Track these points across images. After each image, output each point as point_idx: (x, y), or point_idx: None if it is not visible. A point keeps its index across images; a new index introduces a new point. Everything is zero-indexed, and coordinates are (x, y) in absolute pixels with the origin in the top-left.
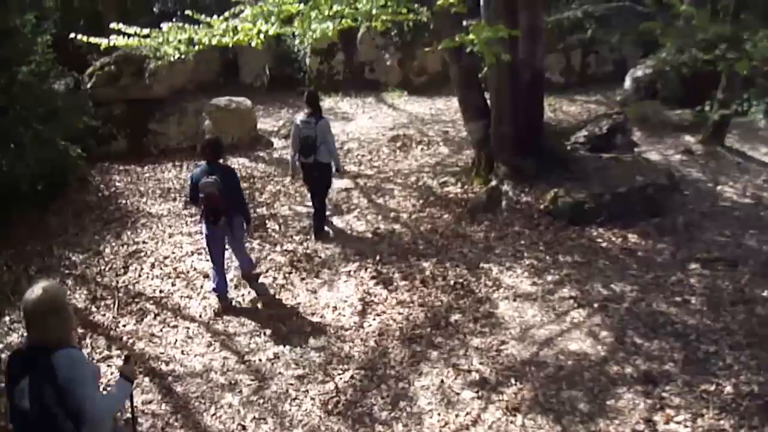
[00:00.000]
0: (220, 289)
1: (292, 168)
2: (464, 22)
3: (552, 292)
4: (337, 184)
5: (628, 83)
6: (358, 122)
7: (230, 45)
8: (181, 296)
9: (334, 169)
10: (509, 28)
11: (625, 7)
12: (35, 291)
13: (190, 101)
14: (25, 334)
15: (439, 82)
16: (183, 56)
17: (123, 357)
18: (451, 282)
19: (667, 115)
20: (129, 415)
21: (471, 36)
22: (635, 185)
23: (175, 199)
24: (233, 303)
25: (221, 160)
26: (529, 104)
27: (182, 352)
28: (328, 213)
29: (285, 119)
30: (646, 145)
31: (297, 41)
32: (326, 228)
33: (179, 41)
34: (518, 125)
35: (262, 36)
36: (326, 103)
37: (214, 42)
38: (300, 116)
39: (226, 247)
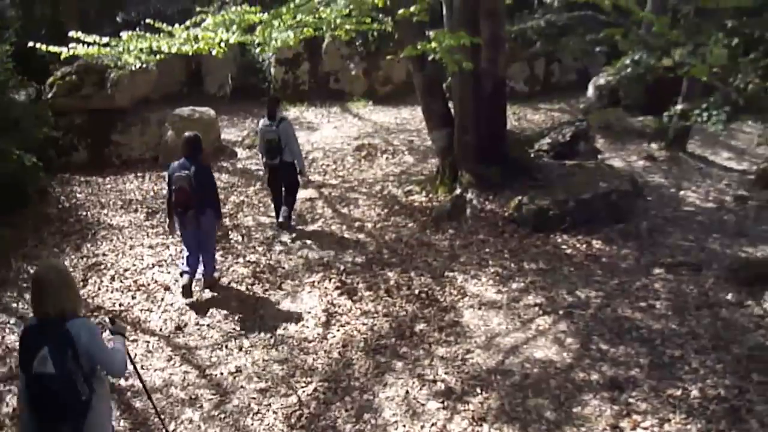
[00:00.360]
0: (192, 266)
1: (264, 169)
2: (427, 32)
3: (517, 299)
4: (302, 194)
5: (590, 91)
6: (323, 132)
7: (191, 53)
8: (142, 309)
9: (298, 170)
10: (472, 35)
11: (587, 17)
12: (47, 266)
13: (152, 111)
14: (36, 307)
15: (404, 92)
16: (145, 65)
17: (109, 319)
18: (416, 291)
19: (630, 122)
20: (131, 367)
21: (433, 44)
22: (599, 191)
23: (136, 211)
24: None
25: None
26: (492, 113)
27: (142, 367)
28: (293, 222)
29: (249, 129)
30: (609, 152)
31: (258, 50)
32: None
33: (140, 50)
34: (482, 133)
35: (223, 44)
36: (291, 112)
37: (174, 50)
38: (263, 120)
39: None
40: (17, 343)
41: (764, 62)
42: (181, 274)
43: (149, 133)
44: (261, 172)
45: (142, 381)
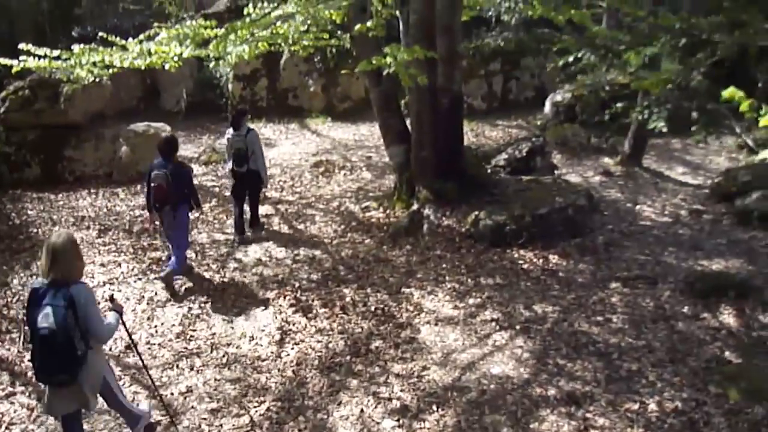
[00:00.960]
0: (172, 269)
1: (231, 177)
2: (384, 48)
3: (474, 315)
4: (259, 210)
5: (547, 108)
6: (281, 148)
7: (143, 67)
8: None
9: (262, 178)
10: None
11: (544, 35)
12: (61, 236)
13: (107, 127)
14: (46, 270)
15: (363, 108)
16: (97, 79)
17: (108, 298)
18: (372, 308)
19: (586, 137)
20: (129, 340)
21: (388, 59)
22: (555, 206)
23: (88, 228)
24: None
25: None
26: (449, 128)
27: None
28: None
29: (206, 145)
30: (566, 168)
31: (213, 65)
32: (248, 233)
33: (92, 64)
34: (439, 149)
35: (176, 59)
36: None
37: (127, 64)
38: (230, 130)
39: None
40: None
41: (710, 61)
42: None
43: (103, 149)
44: (217, 189)
45: (136, 349)
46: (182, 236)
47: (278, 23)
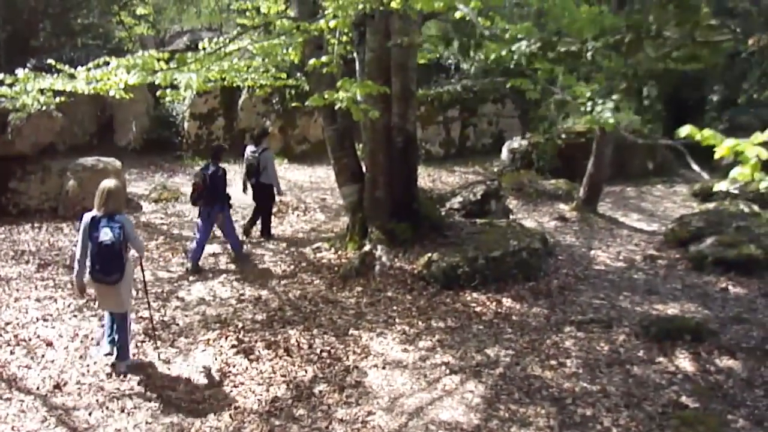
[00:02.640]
0: (194, 258)
1: (243, 185)
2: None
3: (424, 358)
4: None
5: (504, 154)
6: (234, 188)
7: (86, 92)
8: (19, 366)
9: (275, 190)
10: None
11: (502, 82)
12: (113, 182)
13: (55, 160)
14: (100, 205)
15: (320, 151)
16: (44, 107)
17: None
18: (318, 350)
19: (542, 184)
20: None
21: (340, 93)
22: (509, 249)
23: (28, 262)
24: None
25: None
26: (403, 168)
27: (12, 429)
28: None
29: (157, 183)
30: (522, 213)
31: (167, 99)
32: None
33: (39, 91)
34: (392, 189)
35: (122, 86)
36: None
37: (69, 88)
38: (250, 147)
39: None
40: None
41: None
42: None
43: (50, 182)
44: (165, 227)
45: (147, 294)
46: (229, 230)
47: (235, 60)
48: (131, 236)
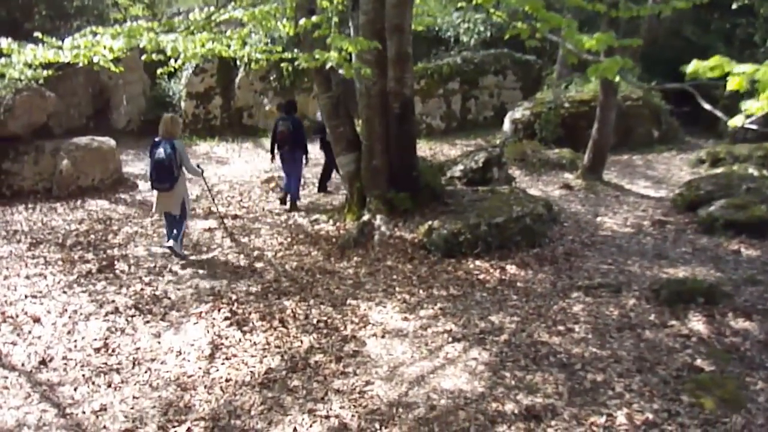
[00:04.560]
0: (285, 187)
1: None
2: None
3: (425, 327)
4: (201, 224)
5: (507, 125)
6: (233, 166)
7: (71, 61)
8: (5, 342)
9: (304, 157)
10: (377, 56)
11: (503, 54)
12: (171, 116)
13: (48, 140)
14: (162, 131)
15: None
16: (32, 81)
17: (197, 165)
18: (314, 321)
19: (546, 153)
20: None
21: (332, 53)
22: (513, 215)
23: (19, 242)
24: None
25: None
26: (401, 135)
27: None
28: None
29: None
30: (525, 183)
31: (159, 71)
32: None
33: (25, 64)
34: (391, 157)
35: (106, 52)
36: (201, 147)
37: (61, 60)
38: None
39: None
40: None
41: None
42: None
43: (43, 162)
44: None
45: (205, 182)
46: (298, 170)
47: (228, 32)
48: (183, 155)
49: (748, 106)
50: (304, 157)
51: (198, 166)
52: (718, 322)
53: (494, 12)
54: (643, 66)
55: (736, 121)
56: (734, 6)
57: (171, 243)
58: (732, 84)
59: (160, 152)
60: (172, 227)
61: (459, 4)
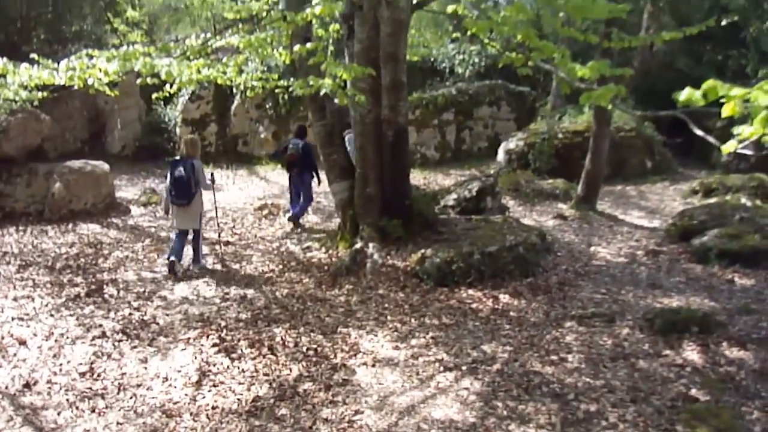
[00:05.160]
0: (293, 208)
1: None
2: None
3: (416, 356)
4: (191, 250)
5: (501, 155)
6: (227, 193)
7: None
8: None
9: (316, 180)
10: (372, 84)
11: (497, 85)
12: (191, 136)
13: (42, 163)
14: (182, 151)
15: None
16: (26, 103)
17: (211, 174)
18: (304, 348)
19: (539, 184)
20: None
21: (326, 80)
22: (506, 244)
23: (9, 263)
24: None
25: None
26: (394, 162)
27: None
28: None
29: (147, 188)
30: (519, 213)
31: (159, 96)
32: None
33: (21, 86)
34: (384, 185)
35: (102, 75)
36: None
37: (46, 77)
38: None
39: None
40: None
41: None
42: (287, 213)
43: (36, 184)
44: (153, 229)
45: (214, 194)
46: (307, 191)
47: (224, 59)
48: (200, 174)
49: (741, 130)
50: (314, 179)
51: (211, 176)
52: (713, 352)
53: (488, 42)
54: (637, 98)
55: (729, 147)
56: (724, 22)
57: (193, 264)
58: (726, 110)
59: (180, 170)
60: (181, 244)
61: (454, 35)
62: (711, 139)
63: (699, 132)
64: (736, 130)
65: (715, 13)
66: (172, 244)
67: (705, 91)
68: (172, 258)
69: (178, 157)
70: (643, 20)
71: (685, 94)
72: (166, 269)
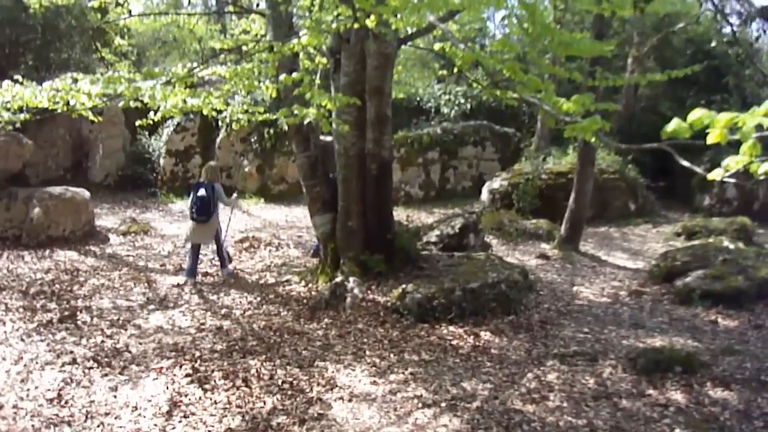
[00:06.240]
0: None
1: None
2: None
3: (395, 391)
4: (169, 280)
5: (485, 195)
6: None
7: (49, 107)
8: None
9: None
10: (357, 117)
11: (482, 126)
12: (212, 164)
13: (21, 187)
14: (205, 175)
15: (298, 191)
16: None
17: (235, 195)
18: (279, 381)
19: (523, 223)
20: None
21: (311, 109)
22: (488, 281)
23: None
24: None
25: None
26: (377, 196)
27: None
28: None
29: (127, 217)
30: (502, 252)
31: (143, 122)
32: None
33: (3, 107)
34: (367, 218)
35: (85, 99)
36: (177, 205)
37: (38, 104)
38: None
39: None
40: None
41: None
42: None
43: (15, 209)
44: (131, 258)
45: (232, 210)
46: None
47: (211, 89)
48: (220, 195)
49: (728, 161)
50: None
51: (235, 196)
52: (697, 392)
53: (474, 80)
54: (621, 140)
55: (715, 175)
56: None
57: (222, 271)
58: (713, 137)
59: (202, 191)
60: (196, 260)
61: (440, 73)
62: (697, 168)
63: (685, 163)
64: (724, 161)
65: (699, 58)
66: (188, 263)
67: (692, 121)
68: (192, 280)
69: (200, 180)
70: (627, 64)
71: (672, 125)
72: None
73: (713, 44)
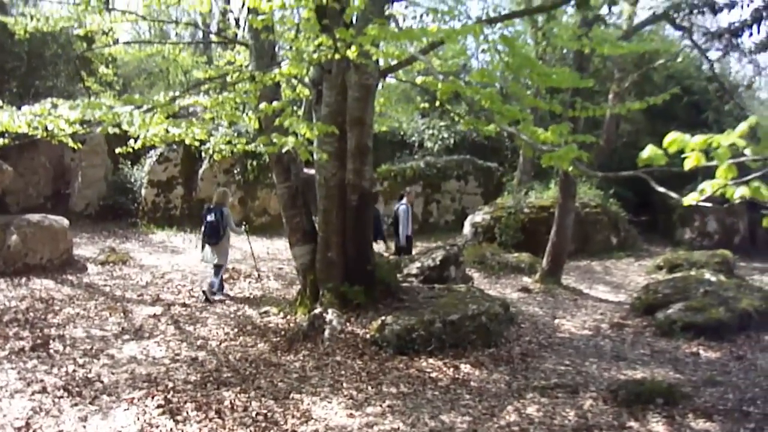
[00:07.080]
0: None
1: None
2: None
3: (371, 424)
4: (146, 310)
5: (467, 228)
6: (187, 256)
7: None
8: None
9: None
10: (337, 148)
11: (465, 160)
12: (222, 190)
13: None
14: (214, 201)
15: (280, 224)
16: None
17: (244, 226)
18: (253, 413)
19: (505, 257)
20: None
21: (290, 138)
22: (468, 313)
23: None
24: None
25: None
26: (357, 228)
27: None
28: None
29: (107, 247)
30: (484, 285)
31: (117, 151)
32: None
33: None
34: (347, 250)
35: (64, 124)
36: (158, 236)
37: (13, 128)
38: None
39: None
40: None
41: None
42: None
43: None
44: (108, 288)
45: (247, 235)
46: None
47: (193, 120)
48: (228, 219)
49: (704, 185)
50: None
51: (243, 225)
52: (678, 423)
53: (456, 114)
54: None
55: (689, 200)
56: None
57: (211, 292)
58: (689, 162)
59: (211, 217)
60: (221, 278)
61: (422, 105)
62: (672, 194)
63: (660, 189)
64: (700, 186)
65: (678, 94)
66: (216, 282)
67: (667, 144)
68: (219, 297)
69: (211, 205)
70: (608, 100)
71: (647, 152)
72: (205, 297)
73: (690, 81)
